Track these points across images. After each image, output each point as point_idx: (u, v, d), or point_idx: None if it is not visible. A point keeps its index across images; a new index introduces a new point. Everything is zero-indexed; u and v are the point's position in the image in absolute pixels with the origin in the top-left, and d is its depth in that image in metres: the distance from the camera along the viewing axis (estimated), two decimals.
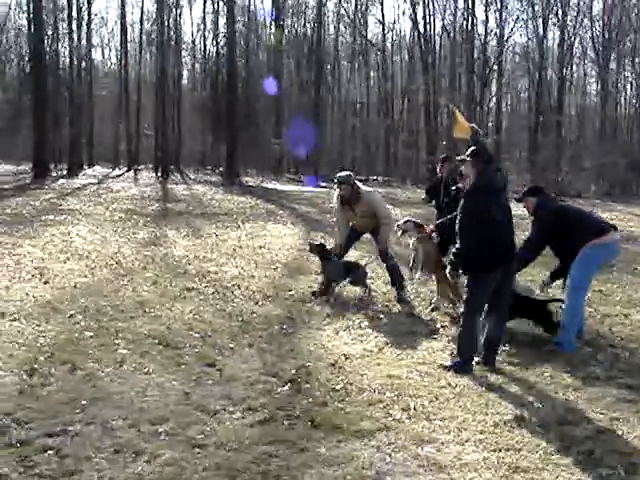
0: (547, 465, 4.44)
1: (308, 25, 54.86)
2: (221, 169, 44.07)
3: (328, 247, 9.63)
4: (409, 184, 42.23)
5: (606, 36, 47.63)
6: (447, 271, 6.99)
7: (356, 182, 9.16)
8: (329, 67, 54.13)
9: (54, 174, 37.87)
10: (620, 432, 5.02)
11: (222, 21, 50.77)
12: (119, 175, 41.06)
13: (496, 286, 6.26)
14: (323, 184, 38.12)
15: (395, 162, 51.38)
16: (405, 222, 9.04)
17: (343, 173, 9.33)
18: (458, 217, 6.38)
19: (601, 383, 6.10)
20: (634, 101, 49.70)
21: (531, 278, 9.55)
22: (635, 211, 26.14)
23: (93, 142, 51.45)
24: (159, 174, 40.23)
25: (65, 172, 39.77)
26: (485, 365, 6.37)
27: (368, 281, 9.41)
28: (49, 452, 4.43)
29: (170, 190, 30.56)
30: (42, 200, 23.15)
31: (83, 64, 48.45)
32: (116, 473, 4.20)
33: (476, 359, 6.37)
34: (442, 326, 7.91)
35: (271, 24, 51.09)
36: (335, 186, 9.31)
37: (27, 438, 4.61)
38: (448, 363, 6.40)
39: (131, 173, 42.74)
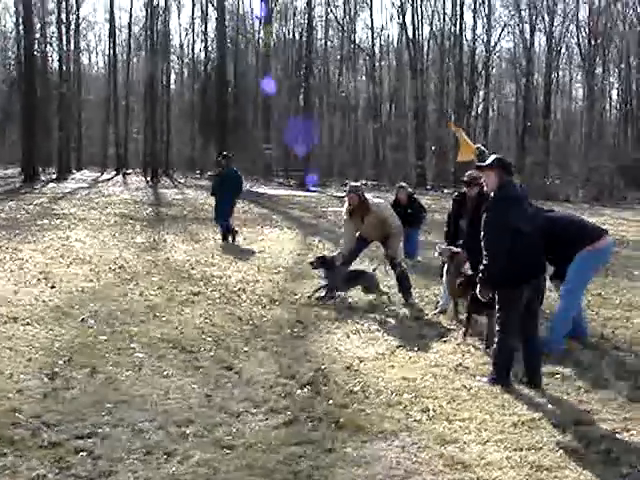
0: (569, 464, 4.56)
1: (296, 30, 55.17)
2: (210, 173, 44.02)
3: (328, 256, 9.85)
4: None
5: (592, 42, 48.07)
6: (477, 290, 6.58)
7: (364, 193, 9.39)
8: (318, 71, 54.27)
9: (43, 178, 37.82)
10: (634, 432, 5.15)
11: (210, 25, 51.02)
12: (108, 179, 41.09)
13: (527, 302, 6.00)
14: (313, 189, 38.18)
15: (384, 165, 51.52)
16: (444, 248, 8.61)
17: (352, 184, 9.70)
18: (482, 231, 6.03)
19: (610, 385, 6.23)
20: (620, 106, 50.18)
21: None
22: (624, 215, 26.43)
23: (82, 146, 51.37)
24: (149, 178, 40.26)
25: (54, 176, 39.72)
26: (531, 385, 6.11)
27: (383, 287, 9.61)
28: (82, 454, 4.51)
29: (162, 194, 30.61)
30: (35, 204, 23.24)
31: (72, 68, 48.36)
32: (150, 474, 4.28)
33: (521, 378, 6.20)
34: (450, 329, 8.04)
35: (261, 22, 51.06)
36: (344, 196, 9.56)
37: (58, 440, 4.69)
38: (485, 379, 6.18)
39: (120, 177, 42.76)
